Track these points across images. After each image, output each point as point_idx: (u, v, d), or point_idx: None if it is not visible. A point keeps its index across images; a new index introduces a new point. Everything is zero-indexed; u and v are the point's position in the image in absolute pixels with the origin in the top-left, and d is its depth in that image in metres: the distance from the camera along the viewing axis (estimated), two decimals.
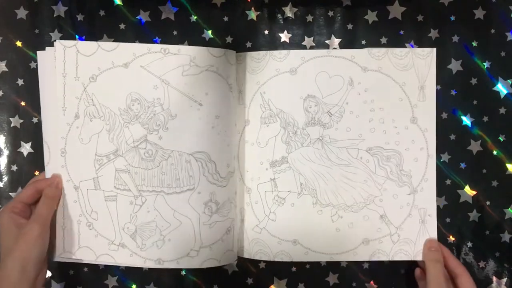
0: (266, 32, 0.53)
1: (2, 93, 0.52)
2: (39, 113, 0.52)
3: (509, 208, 0.53)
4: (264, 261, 0.52)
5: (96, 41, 0.52)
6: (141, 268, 0.52)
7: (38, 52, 0.50)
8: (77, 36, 0.52)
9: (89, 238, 0.48)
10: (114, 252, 0.48)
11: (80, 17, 0.52)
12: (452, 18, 0.53)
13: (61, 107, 0.48)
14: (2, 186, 0.52)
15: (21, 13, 0.52)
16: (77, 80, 0.48)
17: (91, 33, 0.52)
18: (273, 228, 0.50)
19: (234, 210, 0.50)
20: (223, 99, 0.48)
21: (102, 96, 0.48)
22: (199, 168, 0.48)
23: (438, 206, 0.53)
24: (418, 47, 0.52)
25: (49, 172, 0.49)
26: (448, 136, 0.53)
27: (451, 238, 0.53)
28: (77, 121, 0.48)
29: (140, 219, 0.48)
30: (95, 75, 0.48)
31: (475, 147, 0.53)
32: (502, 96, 0.53)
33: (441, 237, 0.52)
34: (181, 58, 0.47)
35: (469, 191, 0.53)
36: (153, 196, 0.48)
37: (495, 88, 0.53)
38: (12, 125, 0.52)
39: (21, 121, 0.52)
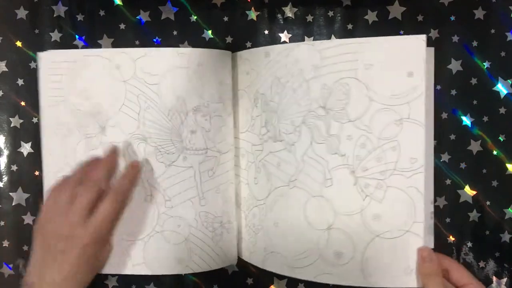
0: (266, 32, 0.53)
1: (2, 93, 0.52)
2: (39, 113, 0.52)
3: (509, 208, 0.53)
4: None
5: (96, 41, 0.52)
6: None
7: (38, 54, 0.49)
8: (77, 36, 0.52)
9: None
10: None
11: (80, 17, 0.52)
12: (452, 18, 0.53)
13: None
14: (2, 186, 0.52)
15: (21, 13, 0.52)
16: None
17: (91, 33, 0.52)
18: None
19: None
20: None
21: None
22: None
23: (438, 206, 0.53)
24: None
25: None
26: (448, 136, 0.53)
27: (451, 238, 0.53)
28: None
29: None
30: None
31: (475, 147, 0.53)
32: (502, 96, 0.53)
33: (441, 237, 0.52)
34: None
35: (469, 191, 0.53)
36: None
37: (495, 88, 0.53)
38: (12, 125, 0.52)
39: (21, 121, 0.52)
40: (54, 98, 0.48)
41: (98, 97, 0.47)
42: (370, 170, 0.43)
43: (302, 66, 0.44)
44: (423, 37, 0.42)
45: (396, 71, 0.42)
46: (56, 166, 0.48)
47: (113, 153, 0.46)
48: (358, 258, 0.43)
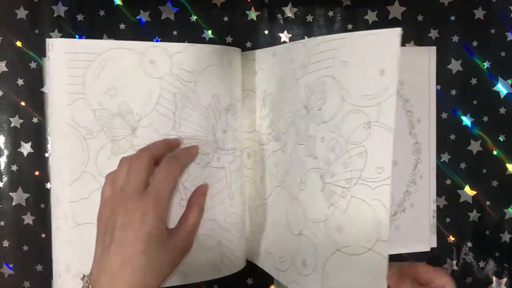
0: (266, 32, 0.53)
1: (2, 93, 0.52)
2: (39, 113, 0.52)
3: (509, 208, 0.53)
4: None
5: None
6: None
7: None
8: (77, 36, 0.52)
9: None
10: None
11: (80, 17, 0.52)
12: (452, 18, 0.53)
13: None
14: (2, 186, 0.52)
15: (21, 13, 0.52)
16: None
17: (91, 33, 0.52)
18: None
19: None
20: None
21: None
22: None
23: (438, 206, 0.53)
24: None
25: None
26: (448, 136, 0.53)
27: (451, 238, 0.53)
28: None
29: None
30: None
31: (475, 147, 0.53)
32: (502, 96, 0.53)
33: (441, 237, 0.52)
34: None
35: (469, 191, 0.53)
36: None
37: (495, 88, 0.53)
38: (12, 125, 0.52)
39: (21, 121, 0.52)
40: (70, 95, 0.42)
41: (128, 95, 0.43)
42: (337, 176, 0.38)
43: (295, 65, 0.42)
44: (398, 31, 0.35)
45: (369, 69, 0.36)
46: (73, 174, 0.43)
47: (176, 139, 0.43)
48: (319, 271, 0.39)
